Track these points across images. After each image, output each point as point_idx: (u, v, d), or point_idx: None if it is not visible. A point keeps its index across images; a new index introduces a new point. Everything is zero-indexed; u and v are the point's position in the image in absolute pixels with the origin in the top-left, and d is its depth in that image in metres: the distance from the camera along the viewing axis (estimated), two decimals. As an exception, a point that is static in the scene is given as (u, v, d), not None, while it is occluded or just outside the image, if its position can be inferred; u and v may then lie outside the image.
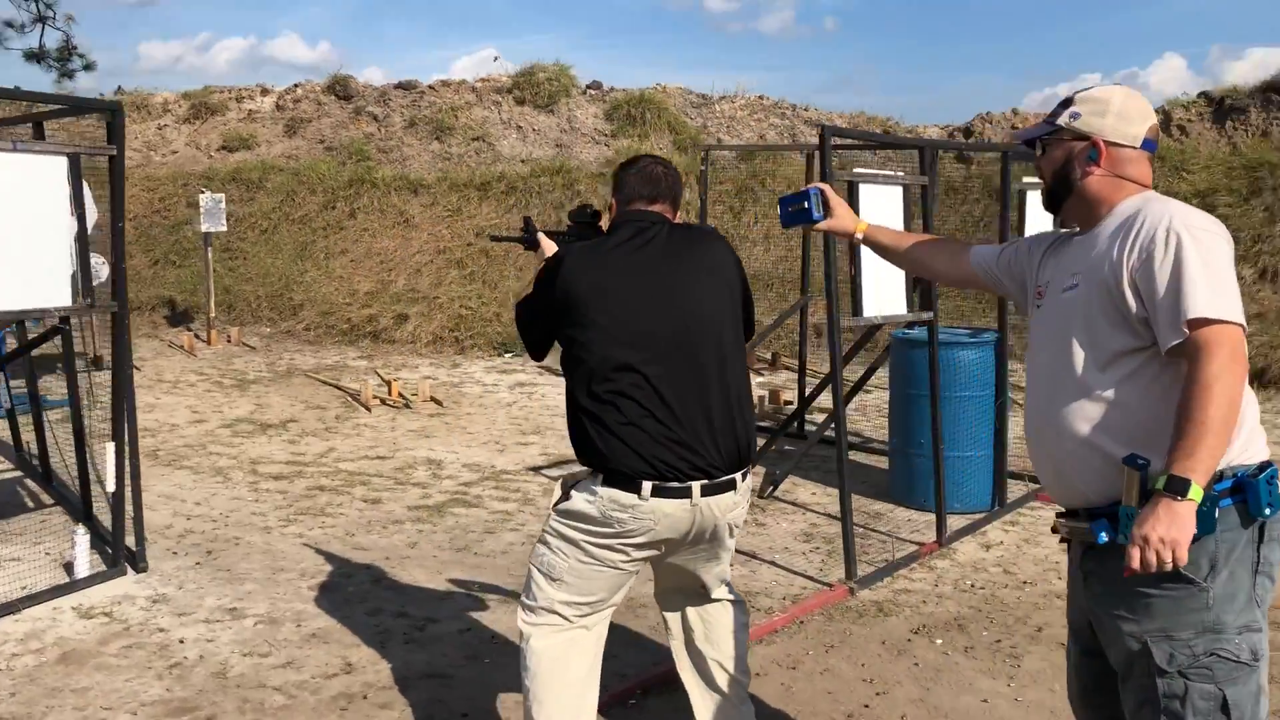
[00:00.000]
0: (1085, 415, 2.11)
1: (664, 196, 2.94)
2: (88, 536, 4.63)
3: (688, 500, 2.74)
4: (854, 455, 6.98)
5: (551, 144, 14.53)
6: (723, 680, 3.06)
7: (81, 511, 5.32)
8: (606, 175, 13.51)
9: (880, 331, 6.70)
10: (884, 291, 5.03)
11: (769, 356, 10.75)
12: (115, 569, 4.66)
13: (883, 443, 7.09)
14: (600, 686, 2.96)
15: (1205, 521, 1.96)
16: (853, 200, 4.92)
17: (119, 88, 17.67)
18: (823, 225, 2.84)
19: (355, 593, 4.61)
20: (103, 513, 5.25)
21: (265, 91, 16.02)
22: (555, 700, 2.84)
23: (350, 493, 6.24)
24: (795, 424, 7.35)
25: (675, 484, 2.73)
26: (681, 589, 3.09)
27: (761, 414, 8.32)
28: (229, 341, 11.34)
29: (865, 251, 4.86)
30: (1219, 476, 2.01)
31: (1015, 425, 6.41)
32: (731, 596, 3.12)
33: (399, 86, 15.54)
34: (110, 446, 4.63)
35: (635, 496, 2.72)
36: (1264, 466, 2.05)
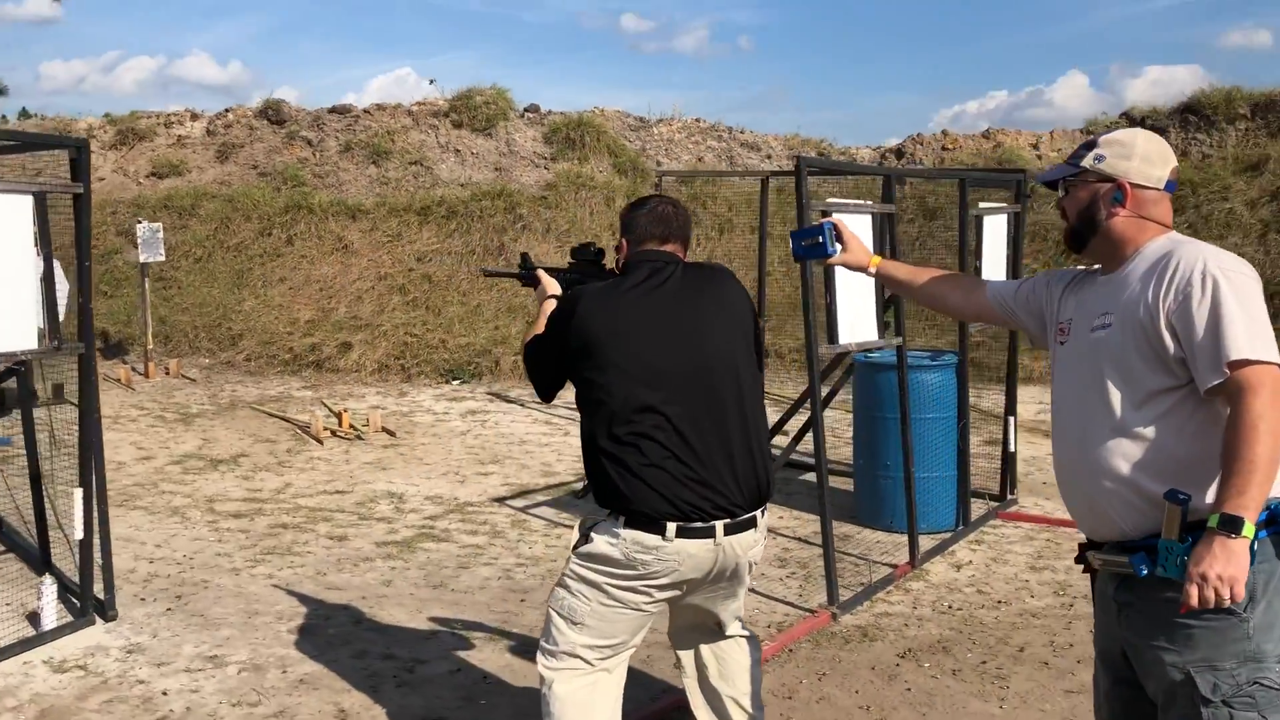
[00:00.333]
0: (1122, 453, 2.16)
1: (675, 236, 2.95)
2: (55, 586, 4.47)
3: (711, 540, 2.75)
4: (813, 477, 7.04)
5: (490, 167, 14.48)
6: (739, 717, 3.06)
7: (40, 559, 5.14)
8: (549, 198, 13.52)
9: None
10: (858, 318, 5.09)
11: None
12: (84, 619, 4.51)
13: (844, 464, 7.16)
14: None
15: None
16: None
17: (23, 110, 17.15)
18: (837, 259, 2.87)
19: (337, 635, 4.52)
20: (61, 559, 5.08)
21: (195, 116, 15.72)
22: (581, 745, 2.82)
23: (314, 530, 6.12)
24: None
25: (699, 524, 2.73)
26: (696, 627, 3.09)
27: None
28: (167, 374, 11.07)
29: (839, 279, 4.94)
30: None
31: (974, 444, 6.56)
32: (745, 633, 3.13)
33: (333, 110, 15.36)
34: (78, 492, 4.48)
35: (659, 538, 2.72)
36: None
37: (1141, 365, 2.15)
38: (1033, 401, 9.29)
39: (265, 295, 12.54)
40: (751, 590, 5.14)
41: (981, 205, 6.37)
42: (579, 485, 7.10)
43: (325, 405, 9.64)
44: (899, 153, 15.64)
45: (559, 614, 2.86)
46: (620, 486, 2.74)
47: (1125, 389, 2.17)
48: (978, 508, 6.38)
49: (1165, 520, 2.08)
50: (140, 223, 11.11)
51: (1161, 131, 13.57)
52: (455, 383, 10.93)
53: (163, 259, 11.36)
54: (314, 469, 7.62)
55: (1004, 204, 6.63)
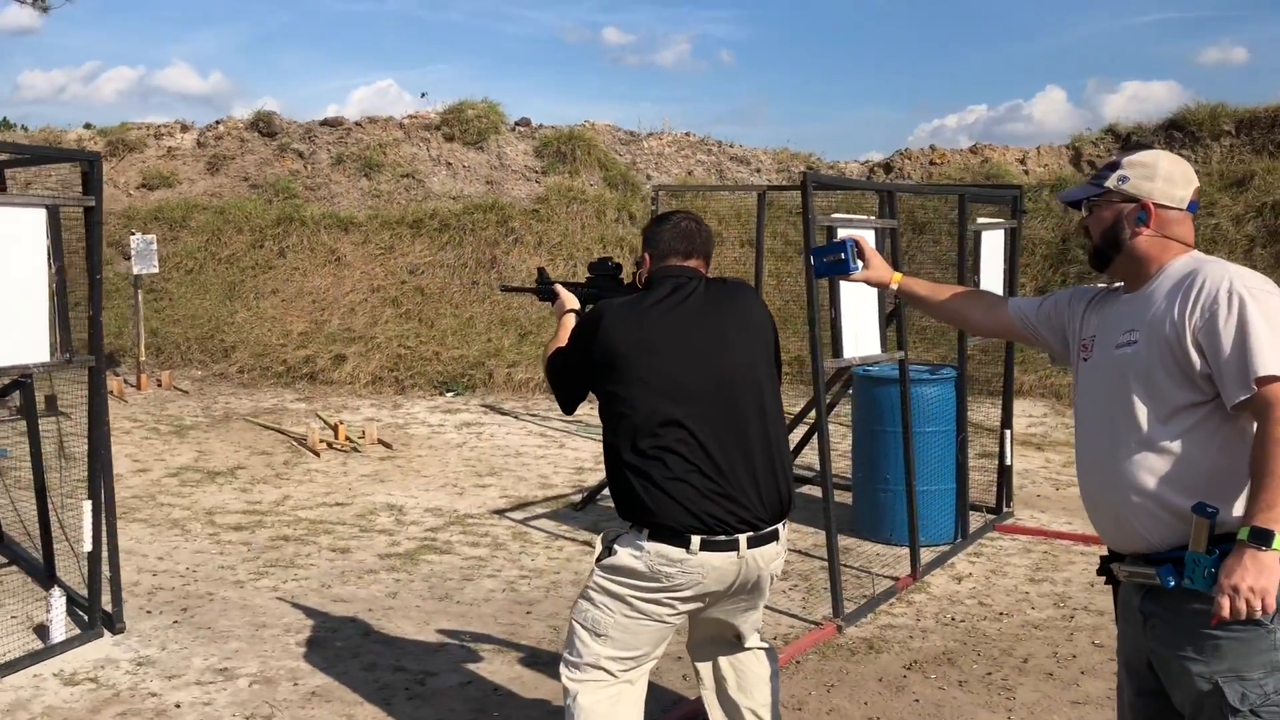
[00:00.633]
0: (1149, 467, 2.21)
1: (698, 252, 2.99)
2: (64, 599, 4.47)
3: (735, 553, 2.78)
4: (812, 490, 7.09)
5: (482, 181, 14.51)
6: (757, 729, 3.09)
7: (44, 571, 5.12)
8: (540, 212, 13.55)
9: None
10: (861, 332, 5.14)
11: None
12: (92, 631, 4.50)
13: (842, 477, 7.20)
14: None
15: None
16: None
17: (4, 120, 17.03)
18: (859, 276, 2.92)
19: (345, 647, 4.52)
20: (66, 571, 5.06)
21: (185, 128, 15.70)
22: (605, 755, 2.84)
23: (316, 542, 6.12)
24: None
25: (723, 537, 2.76)
26: (715, 639, 3.12)
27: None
28: (159, 386, 11.04)
29: (844, 293, 5.00)
30: None
31: (973, 457, 6.61)
32: (763, 645, 3.16)
33: (324, 123, 15.37)
34: (87, 504, 4.48)
35: (684, 551, 2.75)
36: None
37: (1168, 380, 2.20)
38: (1023, 415, 9.37)
39: (258, 307, 12.52)
40: (756, 602, 5.18)
41: (980, 220, 6.43)
42: (577, 498, 7.12)
43: (320, 417, 9.63)
44: (887, 167, 15.75)
45: (582, 626, 2.88)
46: (644, 499, 2.77)
47: (1151, 404, 2.22)
48: (975, 520, 6.44)
49: (1193, 533, 2.13)
50: (133, 234, 11.08)
51: (1146, 147, 13.72)
52: (449, 395, 10.93)
53: (156, 270, 11.33)
54: (312, 481, 7.61)
55: (1000, 219, 6.71)
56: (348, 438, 8.69)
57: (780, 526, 2.89)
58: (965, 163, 15.02)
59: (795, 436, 6.83)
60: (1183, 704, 2.25)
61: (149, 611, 4.92)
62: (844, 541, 6.17)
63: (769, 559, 2.86)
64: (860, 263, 2.93)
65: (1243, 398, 2.10)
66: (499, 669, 4.31)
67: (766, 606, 5.11)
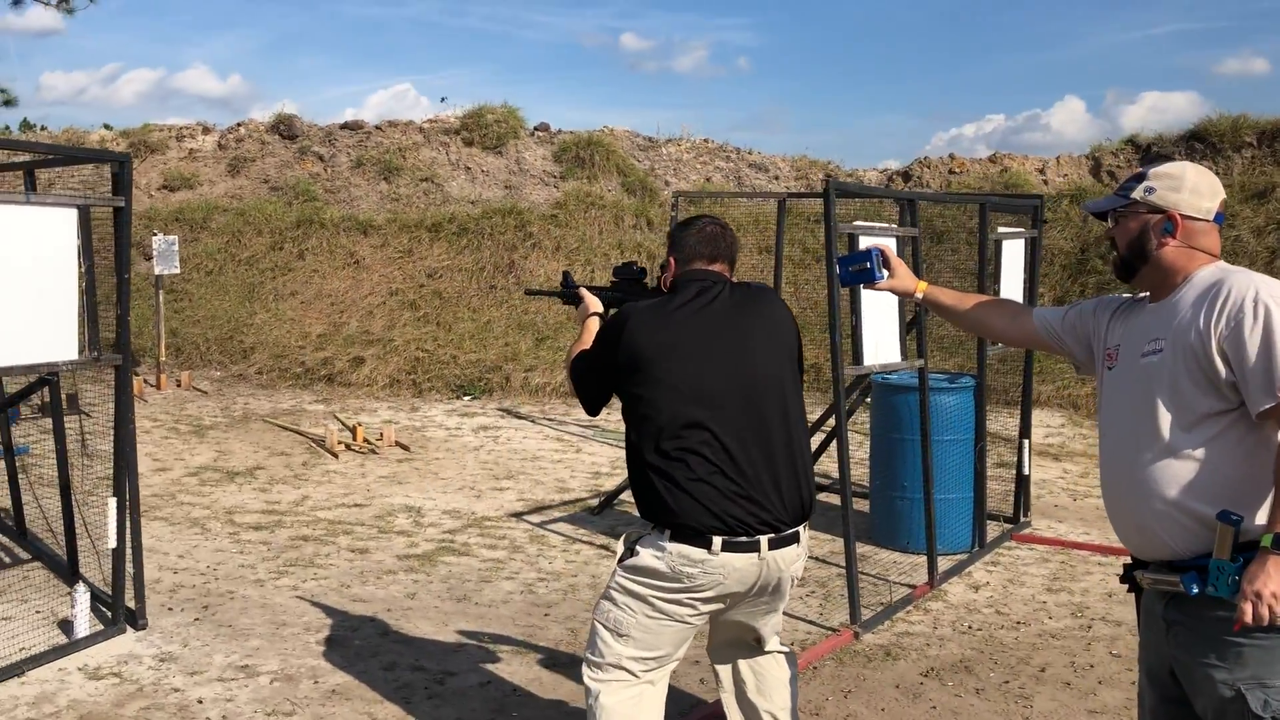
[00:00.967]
0: (1173, 475, 2.23)
1: (723, 256, 3.02)
2: (88, 594, 4.51)
3: (756, 554, 2.80)
4: (829, 497, 7.10)
5: (500, 185, 14.57)
6: (777, 732, 3.10)
7: (68, 567, 5.17)
8: (559, 217, 13.60)
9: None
10: (881, 340, 5.15)
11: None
12: (115, 627, 4.55)
13: (859, 485, 7.21)
14: None
15: None
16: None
17: (25, 120, 17.19)
18: (884, 284, 2.94)
19: (364, 646, 4.56)
20: (88, 568, 5.12)
21: (207, 130, 15.82)
22: (627, 755, 2.86)
23: (335, 542, 6.16)
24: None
25: (744, 538, 2.78)
26: (735, 642, 3.14)
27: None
28: (179, 386, 11.12)
29: (865, 301, 5.01)
30: None
31: (990, 467, 6.61)
32: (783, 648, 3.18)
33: (344, 126, 15.46)
34: (112, 502, 4.53)
35: (705, 551, 2.77)
36: None
37: (1193, 389, 2.22)
38: (1040, 425, 9.35)
39: (277, 309, 12.60)
40: (773, 608, 5.19)
41: (1000, 230, 6.44)
42: (594, 502, 7.15)
43: (338, 419, 9.68)
44: (906, 175, 15.74)
45: (605, 626, 2.91)
46: (667, 500, 2.79)
47: (1176, 412, 2.23)
48: (992, 529, 6.43)
49: (1217, 540, 2.14)
50: (155, 235, 11.17)
51: (1166, 158, 13.70)
52: (466, 398, 10.98)
53: (177, 271, 11.41)
54: (330, 482, 7.66)
55: (1020, 229, 6.71)
56: (365, 439, 8.74)
57: (801, 529, 2.91)
58: (985, 172, 15.01)
59: (814, 443, 6.84)
60: (1205, 711, 2.25)
61: (170, 609, 4.96)
62: (861, 549, 6.17)
63: (790, 561, 2.88)
64: (886, 271, 2.95)
65: (1267, 406, 2.11)
66: (517, 670, 4.34)
67: (784, 612, 5.15)
